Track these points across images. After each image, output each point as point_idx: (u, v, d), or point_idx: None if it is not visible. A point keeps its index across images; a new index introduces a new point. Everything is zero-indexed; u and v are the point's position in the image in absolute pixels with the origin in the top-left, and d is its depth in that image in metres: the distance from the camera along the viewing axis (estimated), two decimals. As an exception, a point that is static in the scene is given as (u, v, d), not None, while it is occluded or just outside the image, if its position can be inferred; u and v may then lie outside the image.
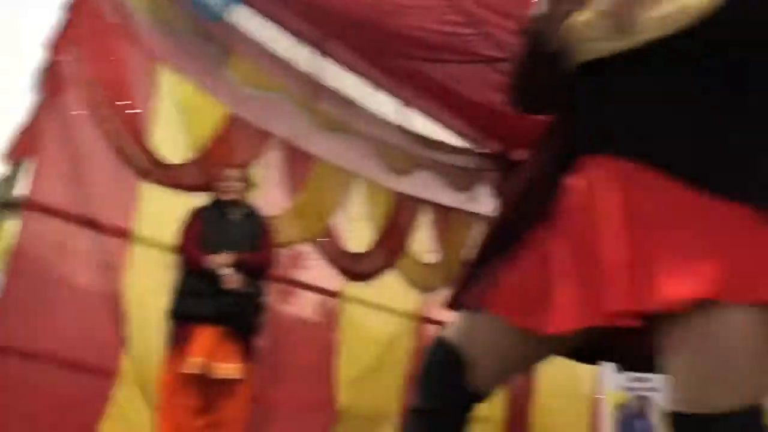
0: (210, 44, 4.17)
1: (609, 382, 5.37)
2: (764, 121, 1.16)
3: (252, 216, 3.81)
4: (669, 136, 1.15)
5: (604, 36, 1.20)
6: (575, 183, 1.21)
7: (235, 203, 3.73)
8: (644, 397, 5.24)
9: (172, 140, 3.94)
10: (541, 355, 1.31)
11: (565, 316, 1.12)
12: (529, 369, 1.44)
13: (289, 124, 4.66)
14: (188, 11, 3.96)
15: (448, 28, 3.75)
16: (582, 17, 1.23)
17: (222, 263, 3.47)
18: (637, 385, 5.16)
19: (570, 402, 5.64)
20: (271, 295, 4.39)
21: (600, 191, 1.16)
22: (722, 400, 1.05)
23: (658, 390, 5.16)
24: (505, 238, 1.29)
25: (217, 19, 3.89)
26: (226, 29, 4.22)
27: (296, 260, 4.77)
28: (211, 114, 4.16)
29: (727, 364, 1.05)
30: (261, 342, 3.72)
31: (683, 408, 1.08)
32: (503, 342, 1.25)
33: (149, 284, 3.67)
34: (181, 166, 3.95)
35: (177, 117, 3.99)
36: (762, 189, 1.09)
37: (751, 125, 1.15)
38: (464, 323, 1.31)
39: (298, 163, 4.71)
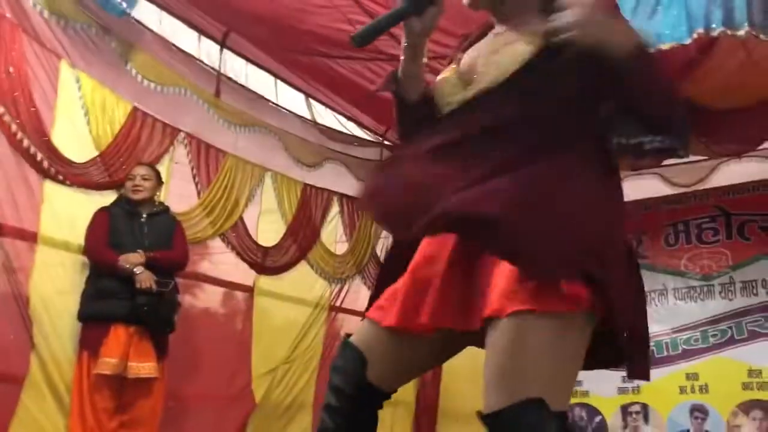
0: (112, 39, 4.10)
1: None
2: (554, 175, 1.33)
3: (162, 213, 3.81)
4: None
5: (456, 90, 1.46)
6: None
7: (144, 201, 3.70)
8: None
9: (76, 138, 3.86)
10: (423, 357, 1.52)
11: (432, 316, 1.36)
12: (421, 371, 1.63)
13: (196, 118, 4.65)
14: (89, 6, 3.87)
15: (353, 27, 3.86)
16: (443, 76, 1.51)
17: (135, 262, 3.46)
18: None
19: (474, 386, 5.90)
20: (185, 291, 4.40)
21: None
22: (513, 394, 1.24)
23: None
24: (399, 254, 1.52)
25: (120, 14, 3.82)
26: (129, 24, 4.16)
27: (208, 255, 4.77)
28: (115, 110, 4.08)
29: (514, 364, 1.25)
30: (175, 338, 3.73)
31: (487, 408, 1.28)
32: (391, 346, 1.46)
33: (56, 286, 3.59)
34: (86, 164, 3.87)
35: (80, 114, 3.90)
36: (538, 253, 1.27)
37: (543, 181, 1.33)
38: (364, 329, 1.51)
39: (207, 158, 4.70)
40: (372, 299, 1.54)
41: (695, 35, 3.13)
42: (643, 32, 1.35)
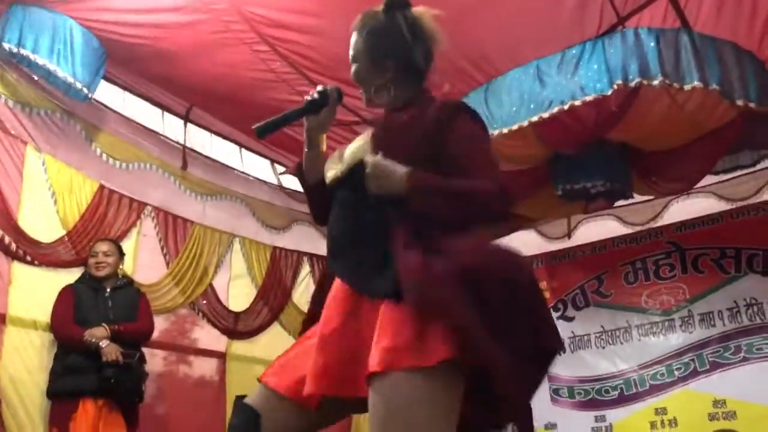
0: (77, 122, 4.29)
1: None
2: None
3: (126, 286, 3.92)
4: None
5: (332, 168, 1.76)
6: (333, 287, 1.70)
7: (108, 276, 3.83)
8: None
9: (43, 219, 3.99)
10: (316, 419, 1.70)
11: (313, 385, 1.55)
12: (320, 428, 1.77)
13: (162, 192, 4.81)
14: (53, 93, 4.07)
15: (301, 98, 4.07)
16: (330, 157, 1.81)
17: (100, 336, 3.55)
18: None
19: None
20: (158, 361, 4.49)
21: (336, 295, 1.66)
22: None
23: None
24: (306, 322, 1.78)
25: (83, 98, 4.01)
26: (93, 107, 4.36)
27: (180, 325, 4.86)
28: (82, 189, 4.24)
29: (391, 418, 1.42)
30: (147, 407, 3.79)
31: None
32: (283, 410, 1.66)
33: (26, 365, 3.66)
34: (53, 243, 4.00)
35: (47, 195, 4.05)
36: (389, 282, 1.51)
37: (375, 235, 1.60)
38: (258, 391, 1.72)
39: (174, 228, 4.84)
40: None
41: (615, 86, 3.36)
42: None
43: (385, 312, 1.50)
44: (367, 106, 1.86)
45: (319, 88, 1.78)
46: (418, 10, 1.78)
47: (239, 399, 1.72)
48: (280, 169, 5.73)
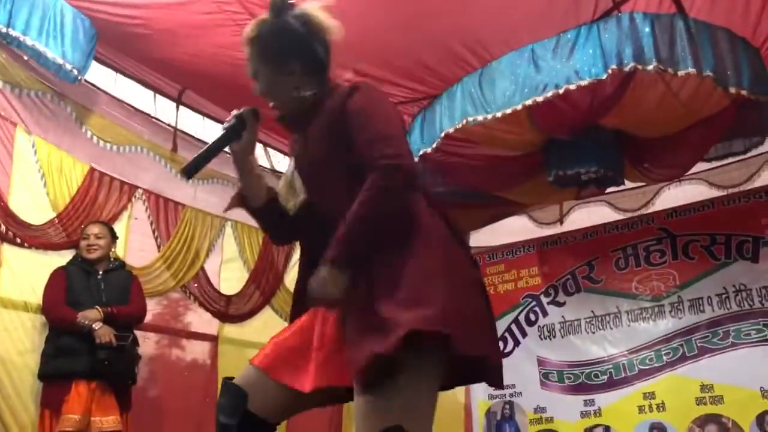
0: (67, 104, 4.25)
1: (477, 390, 5.82)
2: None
3: (119, 269, 3.90)
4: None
5: (291, 198, 1.80)
6: None
7: (100, 259, 3.81)
8: (509, 402, 5.72)
9: (33, 201, 3.96)
10: (306, 402, 1.73)
11: (312, 379, 1.61)
12: (307, 409, 1.80)
13: (153, 175, 4.78)
14: (43, 74, 4.02)
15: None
16: (280, 184, 1.84)
17: (93, 318, 3.54)
18: (500, 392, 5.63)
19: (444, 411, 6.01)
20: (150, 345, 4.48)
21: None
22: None
23: (520, 395, 5.66)
24: (295, 309, 1.81)
25: (73, 80, 3.97)
26: (84, 88, 4.31)
27: (172, 308, 4.86)
28: (72, 172, 4.21)
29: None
30: (139, 390, 3.80)
31: None
32: (273, 391, 1.69)
33: (17, 346, 3.65)
34: (43, 225, 3.97)
35: (37, 177, 4.02)
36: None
37: None
38: (248, 371, 1.74)
39: (165, 212, 4.82)
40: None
41: (610, 71, 3.36)
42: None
43: None
44: (280, 121, 1.84)
45: (234, 112, 1.78)
46: (303, 6, 1.78)
47: (227, 380, 1.74)
48: (273, 152, 5.71)
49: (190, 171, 1.73)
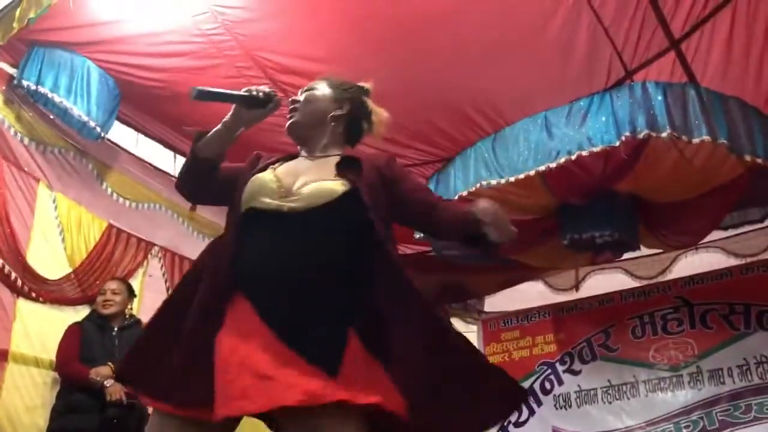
0: (89, 161, 4.34)
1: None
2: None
3: (133, 326, 3.90)
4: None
5: (272, 196, 1.72)
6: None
7: (115, 315, 3.82)
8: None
9: (51, 256, 4.01)
10: None
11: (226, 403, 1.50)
12: None
13: (170, 232, 4.84)
14: (67, 131, 4.14)
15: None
16: (260, 175, 1.77)
17: (105, 375, 3.52)
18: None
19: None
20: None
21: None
22: None
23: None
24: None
25: (95, 138, 4.07)
26: (105, 146, 4.42)
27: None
28: (90, 228, 4.27)
29: None
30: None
31: None
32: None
33: (25, 402, 3.63)
34: (59, 280, 4.00)
35: (56, 233, 4.07)
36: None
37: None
38: (152, 421, 1.70)
39: (180, 269, 4.85)
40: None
41: (623, 138, 3.39)
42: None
43: None
44: (289, 130, 1.90)
45: (265, 88, 1.81)
46: (376, 107, 1.98)
47: None
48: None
49: (200, 94, 1.76)
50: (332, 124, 1.90)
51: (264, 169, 1.81)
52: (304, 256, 1.64)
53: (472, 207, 1.74)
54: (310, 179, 1.75)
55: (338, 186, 1.72)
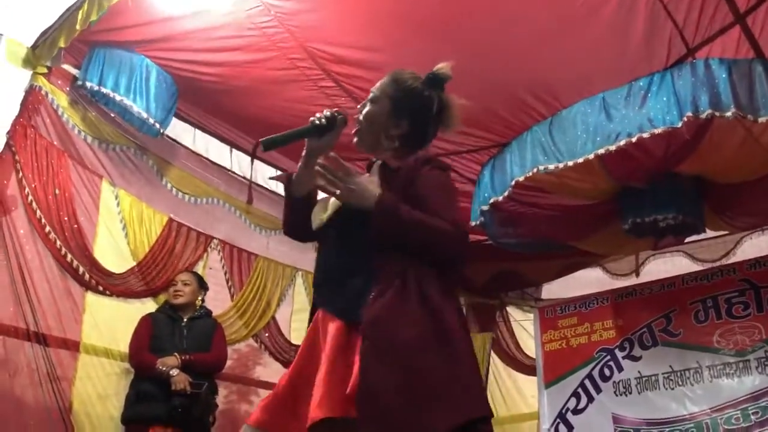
0: (149, 158, 4.45)
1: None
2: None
3: (204, 317, 4.01)
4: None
5: (319, 214, 1.85)
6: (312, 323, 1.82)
7: (185, 306, 3.92)
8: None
9: (115, 250, 4.13)
10: None
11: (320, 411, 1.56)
12: None
13: (228, 226, 4.93)
14: (127, 129, 4.24)
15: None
16: (319, 202, 1.91)
17: (171, 365, 3.62)
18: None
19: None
20: (229, 394, 4.54)
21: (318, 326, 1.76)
22: None
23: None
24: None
25: (155, 134, 4.16)
26: (164, 143, 4.52)
27: (243, 358, 4.92)
28: (152, 223, 4.38)
29: None
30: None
31: None
32: None
33: (97, 391, 3.77)
34: (124, 274, 4.12)
35: (119, 228, 4.19)
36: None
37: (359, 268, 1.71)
38: None
39: (239, 262, 4.94)
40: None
41: (685, 118, 3.29)
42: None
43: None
44: (357, 147, 1.95)
45: (326, 112, 1.88)
46: (450, 96, 1.95)
47: None
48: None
49: (268, 144, 1.80)
50: (393, 140, 1.90)
51: None
52: (330, 259, 1.82)
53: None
54: None
55: None
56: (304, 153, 1.90)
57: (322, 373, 1.60)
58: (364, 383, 1.52)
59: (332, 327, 1.68)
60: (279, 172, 5.31)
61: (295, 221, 1.97)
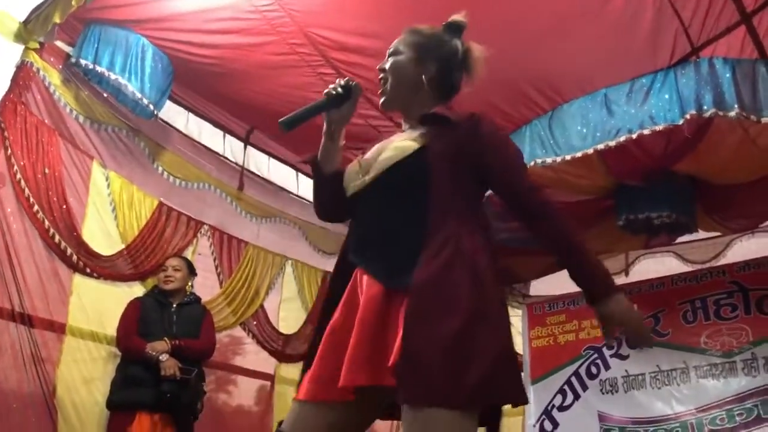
0: (141, 140, 4.37)
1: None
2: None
3: (193, 303, 3.94)
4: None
5: (356, 177, 1.75)
6: (351, 284, 1.69)
7: (175, 291, 3.86)
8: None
9: (104, 232, 4.06)
10: (354, 419, 1.64)
11: (350, 376, 1.50)
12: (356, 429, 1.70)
13: (219, 212, 4.86)
14: (120, 110, 4.16)
15: (362, 120, 4.09)
16: (352, 164, 1.80)
17: (160, 350, 3.56)
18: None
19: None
20: (211, 381, 4.48)
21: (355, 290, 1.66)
22: None
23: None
24: (322, 328, 1.70)
25: (149, 116, 4.09)
26: (157, 125, 4.44)
27: (231, 345, 4.86)
28: (142, 206, 4.30)
29: None
30: (200, 426, 3.77)
31: None
32: (318, 419, 1.61)
33: (83, 375, 3.70)
34: (112, 257, 4.05)
35: (109, 210, 4.12)
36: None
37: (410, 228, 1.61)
38: (291, 409, 1.66)
39: (229, 249, 4.87)
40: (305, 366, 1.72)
41: (688, 116, 3.28)
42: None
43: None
44: (384, 108, 1.88)
45: (342, 81, 1.81)
46: (471, 42, 1.88)
47: (279, 425, 1.67)
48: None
49: (287, 123, 1.73)
50: (424, 88, 1.82)
51: None
52: (373, 222, 1.70)
53: (595, 286, 1.68)
54: (394, 145, 1.73)
55: (412, 144, 1.70)
56: (324, 128, 1.82)
57: (356, 338, 1.54)
58: (408, 345, 1.44)
59: (372, 291, 1.59)
60: (271, 158, 5.26)
61: (330, 200, 1.87)
